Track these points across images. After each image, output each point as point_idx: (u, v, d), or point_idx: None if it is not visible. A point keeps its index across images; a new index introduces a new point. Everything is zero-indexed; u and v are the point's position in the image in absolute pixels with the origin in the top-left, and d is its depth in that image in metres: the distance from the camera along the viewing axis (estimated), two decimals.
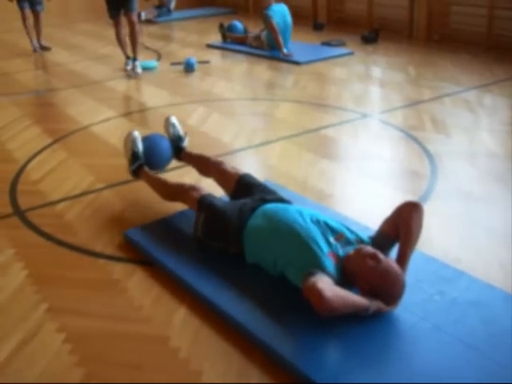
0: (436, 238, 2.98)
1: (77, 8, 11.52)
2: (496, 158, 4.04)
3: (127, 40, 6.64)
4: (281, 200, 2.81)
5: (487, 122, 4.84)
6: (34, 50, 8.11)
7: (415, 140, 4.36)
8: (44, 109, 5.58)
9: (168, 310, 2.48)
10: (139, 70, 6.57)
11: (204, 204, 2.82)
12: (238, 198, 2.93)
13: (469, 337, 2.16)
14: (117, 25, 6.61)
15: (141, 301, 2.56)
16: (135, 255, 2.91)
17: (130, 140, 3.34)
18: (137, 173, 3.34)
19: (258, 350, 2.19)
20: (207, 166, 3.29)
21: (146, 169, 3.32)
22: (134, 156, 3.30)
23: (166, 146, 3.44)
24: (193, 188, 2.98)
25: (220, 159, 3.29)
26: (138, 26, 6.55)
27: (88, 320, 2.45)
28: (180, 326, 2.38)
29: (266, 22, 7.21)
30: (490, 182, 3.66)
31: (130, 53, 6.67)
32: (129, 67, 6.67)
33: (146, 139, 3.39)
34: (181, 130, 3.54)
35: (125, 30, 6.62)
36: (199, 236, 2.80)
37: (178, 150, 3.48)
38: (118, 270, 2.81)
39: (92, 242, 3.06)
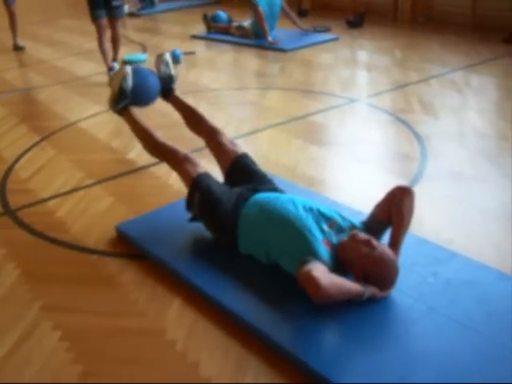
0: (428, 219, 2.99)
1: (59, 4, 11.42)
2: (485, 137, 4.04)
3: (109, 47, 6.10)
4: (274, 189, 2.79)
5: (475, 101, 4.85)
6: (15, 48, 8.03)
7: (404, 122, 4.36)
8: (30, 107, 5.53)
9: (163, 303, 2.47)
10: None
11: (201, 185, 2.73)
12: (232, 178, 2.89)
13: (464, 317, 2.16)
14: (100, 29, 5.97)
15: (135, 295, 2.55)
16: (128, 249, 2.89)
17: (120, 75, 3.05)
18: (121, 113, 3.12)
19: (256, 339, 2.19)
20: (201, 126, 3.16)
21: (132, 110, 3.11)
22: (120, 93, 3.04)
23: (154, 82, 3.20)
24: (188, 160, 2.85)
25: (217, 127, 3.13)
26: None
27: (83, 317, 2.44)
28: (176, 318, 2.38)
29: (253, 8, 7.17)
30: (480, 161, 3.66)
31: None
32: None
33: (134, 72, 3.11)
34: (172, 70, 3.29)
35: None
36: (195, 212, 2.77)
37: (166, 90, 3.27)
38: (112, 265, 2.80)
39: (84, 238, 3.04)
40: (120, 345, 2.26)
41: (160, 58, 3.30)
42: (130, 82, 3.04)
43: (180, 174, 2.88)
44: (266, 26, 7.14)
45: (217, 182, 2.82)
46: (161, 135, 3.03)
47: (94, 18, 5.91)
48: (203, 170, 2.83)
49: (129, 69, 3.08)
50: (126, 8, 9.97)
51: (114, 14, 5.93)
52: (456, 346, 2.03)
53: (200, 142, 3.26)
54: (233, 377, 2.05)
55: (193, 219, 2.81)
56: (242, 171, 2.91)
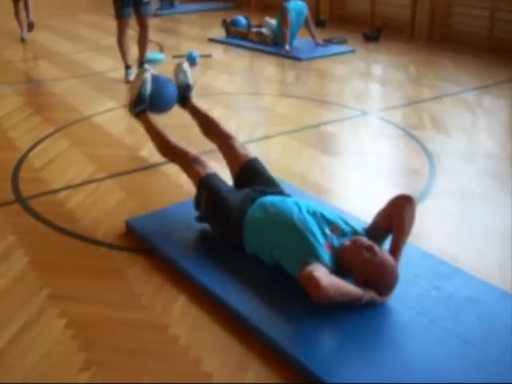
0: (434, 234, 3.03)
1: None
2: (494, 158, 4.08)
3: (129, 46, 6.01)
4: (281, 193, 2.84)
5: (486, 122, 4.89)
6: (22, 40, 8.17)
7: (414, 138, 4.40)
8: (45, 98, 5.59)
9: (168, 299, 2.51)
10: (153, 71, 6.08)
11: (209, 185, 2.80)
12: (241, 181, 2.95)
13: (464, 332, 2.19)
14: (124, 27, 5.86)
15: (141, 289, 2.59)
16: (136, 244, 2.94)
17: (140, 80, 3.17)
18: (138, 116, 3.23)
19: (257, 339, 2.23)
20: (215, 132, 3.24)
21: (149, 114, 3.22)
22: (139, 97, 3.16)
23: (172, 90, 3.31)
24: (197, 161, 2.94)
25: (229, 132, 3.22)
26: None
27: (89, 306, 2.48)
28: (180, 314, 2.42)
29: (282, 14, 7.24)
30: (488, 181, 3.70)
31: (130, 61, 6.11)
32: (131, 77, 5.78)
33: (153, 80, 3.23)
34: (190, 79, 3.40)
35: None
36: (201, 212, 2.83)
37: (183, 98, 3.37)
38: (119, 258, 2.84)
39: (93, 230, 3.09)
40: (124, 336, 2.30)
41: (179, 67, 3.41)
42: (148, 88, 3.16)
43: (189, 175, 2.96)
44: (288, 34, 7.20)
45: (224, 183, 2.89)
46: (174, 138, 3.11)
47: (120, 16, 5.79)
48: (212, 171, 2.90)
49: (148, 75, 3.19)
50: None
51: (143, 10, 5.82)
52: (454, 360, 2.06)
53: (208, 144, 3.31)
54: (233, 375, 2.08)
55: (200, 219, 2.85)
56: (251, 174, 2.97)
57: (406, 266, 2.48)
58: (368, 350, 2.12)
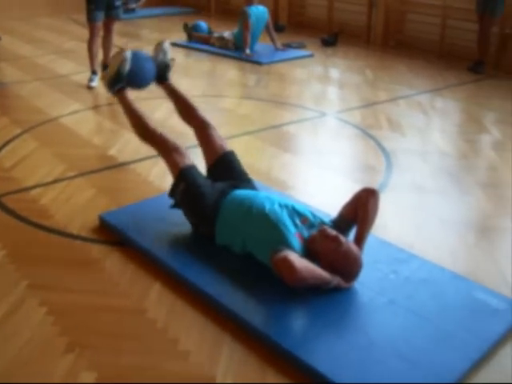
0: (391, 225, 3.23)
1: (39, 2, 11.45)
2: (446, 156, 4.33)
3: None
4: (252, 188, 3.00)
5: (439, 122, 5.15)
6: None
7: (372, 137, 4.63)
8: (11, 100, 5.63)
9: (144, 286, 2.65)
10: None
11: (188, 177, 2.91)
12: (215, 173, 3.07)
13: (420, 309, 2.41)
14: (96, 32, 5.87)
15: (118, 278, 2.72)
16: (110, 237, 3.06)
17: (120, 58, 3.18)
18: (116, 94, 3.27)
19: (230, 319, 2.39)
20: (192, 118, 3.30)
21: (127, 93, 3.26)
22: (117, 75, 3.18)
23: (150, 68, 3.32)
24: (178, 150, 3.01)
25: (208, 120, 3.28)
26: None
27: (68, 295, 2.60)
28: (156, 299, 2.56)
29: (242, 18, 7.43)
30: (440, 177, 3.93)
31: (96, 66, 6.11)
32: (93, 83, 5.97)
33: (132, 56, 3.23)
34: (169, 59, 3.42)
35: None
36: (176, 200, 2.95)
37: (161, 76, 3.40)
38: (95, 250, 2.96)
39: (68, 224, 3.20)
40: (103, 320, 2.43)
41: (159, 46, 3.42)
42: (127, 67, 3.17)
43: (168, 163, 3.04)
44: (249, 38, 7.40)
45: (201, 176, 3.01)
46: (153, 122, 3.18)
47: (93, 19, 5.80)
48: (191, 163, 3.01)
49: (128, 54, 3.19)
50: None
51: (114, 14, 5.90)
52: (411, 333, 2.27)
53: (187, 139, 3.43)
54: (209, 352, 2.24)
55: (174, 206, 2.99)
56: (226, 167, 3.10)
57: (367, 253, 2.67)
58: (334, 327, 2.30)
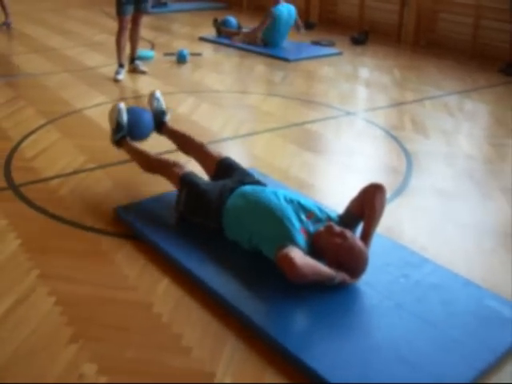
0: (407, 228, 3.19)
1: None
2: (470, 159, 4.25)
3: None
4: (258, 183, 3.03)
5: (465, 125, 5.06)
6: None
7: (395, 139, 4.57)
8: (38, 91, 5.70)
9: (152, 280, 2.66)
10: (144, 68, 6.38)
11: (186, 181, 3.02)
12: (218, 177, 3.14)
13: (427, 314, 2.37)
14: (125, 25, 5.95)
15: (127, 271, 2.74)
16: (123, 230, 3.08)
17: (115, 111, 3.47)
18: (119, 143, 3.50)
19: (234, 317, 2.39)
20: (189, 145, 3.48)
21: (129, 139, 3.49)
22: (118, 126, 3.46)
23: (148, 118, 3.60)
24: (175, 165, 3.17)
25: (201, 141, 3.46)
26: None
27: (77, 286, 2.63)
28: (163, 294, 2.57)
29: (265, 16, 7.48)
30: (462, 180, 3.87)
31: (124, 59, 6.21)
32: (120, 76, 6.05)
33: (129, 111, 3.53)
34: (163, 105, 3.70)
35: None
36: (181, 211, 3.01)
37: (159, 123, 3.64)
38: (107, 242, 2.99)
39: (83, 216, 3.23)
40: (110, 313, 2.45)
41: (152, 96, 3.70)
42: (124, 116, 3.46)
43: (169, 178, 3.19)
44: (260, 32, 7.56)
45: (201, 178, 3.10)
46: (153, 152, 3.41)
47: (123, 13, 5.85)
48: (189, 170, 3.14)
49: (122, 105, 3.48)
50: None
51: (143, 7, 5.98)
52: (414, 337, 2.24)
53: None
54: (211, 349, 2.24)
55: (179, 219, 3.04)
56: (227, 169, 3.18)
57: (378, 255, 2.65)
58: (337, 328, 2.28)
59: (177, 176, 3.08)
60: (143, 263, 2.79)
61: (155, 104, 3.67)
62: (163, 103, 3.71)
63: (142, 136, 3.60)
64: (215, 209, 2.84)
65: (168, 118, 3.69)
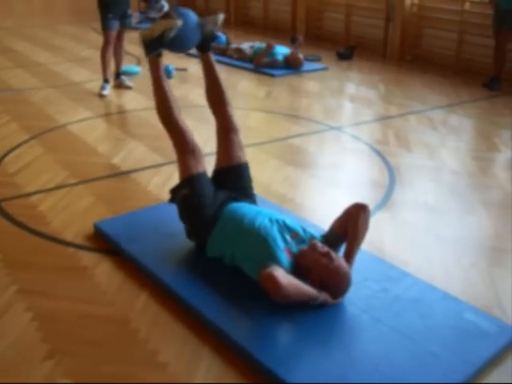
0: (388, 242, 3.20)
1: (61, 10, 11.62)
2: (454, 173, 4.27)
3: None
4: (250, 200, 2.98)
5: (448, 139, 5.08)
6: None
7: (378, 153, 4.59)
8: (22, 106, 5.69)
9: (131, 296, 2.65)
10: (130, 83, 6.41)
11: (194, 185, 2.85)
12: (222, 179, 3.00)
13: (405, 328, 2.36)
14: (110, 40, 5.93)
15: (106, 286, 2.72)
16: (103, 245, 3.07)
17: (169, 24, 2.86)
18: (150, 58, 3.01)
19: (211, 333, 2.38)
20: (219, 107, 3.22)
21: (160, 62, 3.03)
22: (159, 39, 2.89)
23: (195, 37, 3.06)
24: (193, 153, 2.93)
25: (234, 121, 3.17)
26: None
27: (55, 301, 2.61)
28: (141, 309, 2.55)
29: (263, 51, 7.50)
30: (444, 194, 3.88)
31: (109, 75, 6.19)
32: (105, 91, 6.05)
33: (182, 14, 2.96)
34: (217, 31, 3.20)
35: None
36: (176, 199, 2.91)
37: (204, 45, 3.15)
38: (87, 258, 2.97)
39: (63, 231, 3.22)
40: (87, 328, 2.43)
41: (215, 17, 3.14)
42: (172, 34, 2.89)
43: (180, 162, 2.95)
44: (263, 60, 7.46)
45: (208, 184, 2.92)
46: (178, 110, 3.05)
47: (109, 28, 5.86)
48: (202, 169, 2.93)
49: (179, 23, 2.89)
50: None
51: (127, 22, 6.01)
52: (393, 351, 2.23)
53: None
54: (188, 364, 2.22)
55: (171, 201, 2.97)
56: (233, 179, 3.03)
57: (358, 270, 2.65)
58: (315, 344, 2.27)
59: (188, 171, 2.88)
60: (122, 278, 2.78)
61: (210, 26, 3.09)
62: (217, 29, 3.17)
63: (179, 50, 3.15)
64: (206, 226, 2.78)
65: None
